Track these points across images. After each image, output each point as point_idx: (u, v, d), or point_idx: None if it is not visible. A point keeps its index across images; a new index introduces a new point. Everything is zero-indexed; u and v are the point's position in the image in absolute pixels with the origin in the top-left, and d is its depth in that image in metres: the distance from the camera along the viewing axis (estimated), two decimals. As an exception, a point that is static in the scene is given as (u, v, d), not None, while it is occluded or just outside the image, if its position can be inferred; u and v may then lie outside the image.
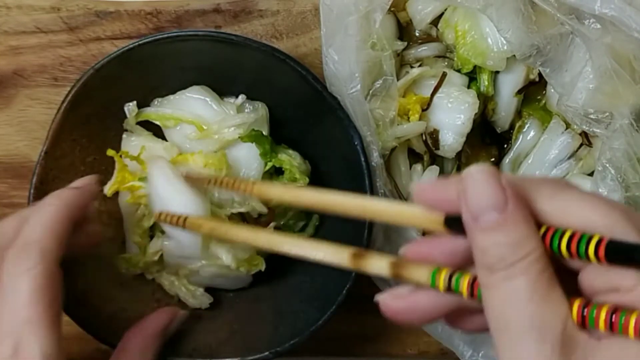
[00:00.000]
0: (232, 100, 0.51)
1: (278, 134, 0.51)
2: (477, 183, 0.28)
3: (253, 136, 0.49)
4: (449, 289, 0.29)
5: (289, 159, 0.50)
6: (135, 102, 0.50)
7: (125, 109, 0.50)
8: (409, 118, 0.51)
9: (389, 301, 0.32)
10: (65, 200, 0.41)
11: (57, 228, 0.39)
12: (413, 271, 0.30)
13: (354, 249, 0.33)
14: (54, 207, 0.40)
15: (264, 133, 0.50)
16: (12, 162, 0.56)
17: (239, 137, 0.49)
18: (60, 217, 0.40)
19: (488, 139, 0.56)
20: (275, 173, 0.51)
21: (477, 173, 0.28)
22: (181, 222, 0.44)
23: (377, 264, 0.32)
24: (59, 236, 0.39)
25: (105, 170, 0.51)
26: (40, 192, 0.47)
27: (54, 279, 0.38)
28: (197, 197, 0.45)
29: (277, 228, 0.50)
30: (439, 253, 0.31)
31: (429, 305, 0.31)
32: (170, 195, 0.45)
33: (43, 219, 0.40)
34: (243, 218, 0.50)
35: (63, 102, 0.47)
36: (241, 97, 0.50)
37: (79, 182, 0.44)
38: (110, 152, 0.49)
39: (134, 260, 0.49)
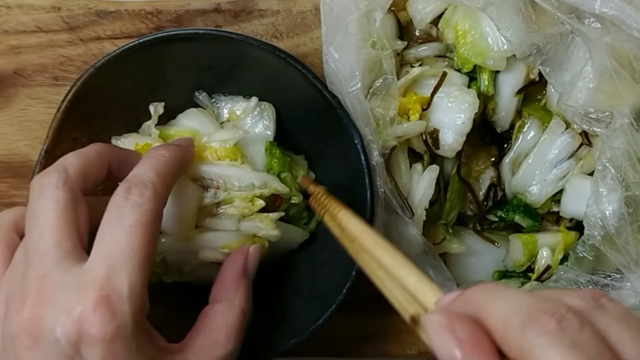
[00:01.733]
0: (235, 98, 0.52)
1: (278, 132, 0.51)
2: (434, 336, 0.28)
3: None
4: None
5: (289, 175, 0.50)
6: (163, 103, 0.50)
7: (151, 108, 0.50)
8: (409, 117, 0.51)
9: None
10: (175, 154, 0.41)
11: (168, 176, 0.40)
12: None
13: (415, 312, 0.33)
14: (165, 157, 0.40)
15: (270, 141, 0.50)
16: (12, 161, 0.56)
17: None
18: (171, 168, 0.40)
19: (488, 139, 0.56)
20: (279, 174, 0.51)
21: (430, 325, 0.29)
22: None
23: None
24: (168, 184, 0.40)
25: (105, 169, 0.51)
26: (40, 191, 0.47)
27: (159, 222, 0.38)
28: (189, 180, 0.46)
29: (283, 219, 0.50)
30: None
31: None
32: None
33: (156, 165, 0.40)
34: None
35: (63, 101, 0.47)
36: (253, 99, 0.51)
37: (181, 142, 0.45)
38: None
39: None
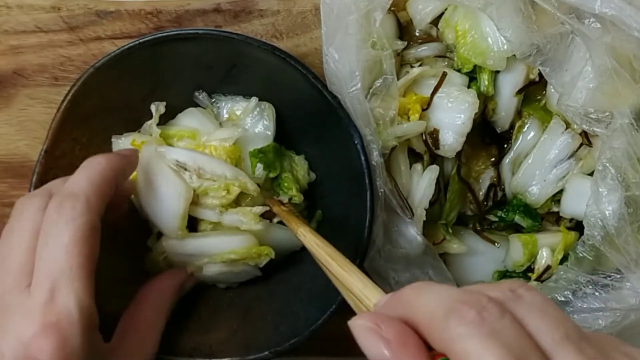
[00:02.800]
0: (235, 98, 0.51)
1: (278, 132, 0.51)
2: (361, 340, 0.29)
3: (255, 156, 0.50)
4: None
5: (290, 175, 0.50)
6: (164, 102, 0.50)
7: (152, 107, 0.50)
8: (409, 117, 0.51)
9: None
10: (112, 162, 0.41)
11: (102, 185, 0.39)
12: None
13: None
14: (101, 165, 0.40)
15: (268, 143, 0.50)
16: (12, 161, 0.56)
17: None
18: (107, 175, 0.40)
19: (488, 139, 0.56)
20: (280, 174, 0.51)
21: (356, 329, 0.29)
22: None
23: None
24: (103, 193, 0.39)
25: (105, 169, 0.51)
26: (40, 191, 0.47)
27: (95, 233, 0.38)
28: (181, 180, 0.46)
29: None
30: None
31: None
32: (155, 177, 0.46)
33: (89, 174, 0.40)
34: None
35: (63, 101, 0.47)
36: (253, 99, 0.51)
37: (125, 151, 0.45)
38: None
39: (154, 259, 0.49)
